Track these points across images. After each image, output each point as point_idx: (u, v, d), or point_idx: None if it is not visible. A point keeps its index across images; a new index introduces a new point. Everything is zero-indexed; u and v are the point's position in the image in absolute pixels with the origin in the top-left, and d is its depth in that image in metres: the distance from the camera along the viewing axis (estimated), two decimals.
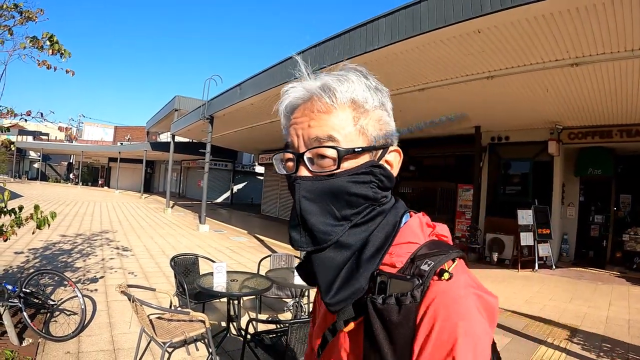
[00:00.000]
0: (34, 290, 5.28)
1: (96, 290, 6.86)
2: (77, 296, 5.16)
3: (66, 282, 5.41)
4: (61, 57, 4.81)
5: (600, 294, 8.86)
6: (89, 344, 4.77)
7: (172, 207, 25.23)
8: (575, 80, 7.86)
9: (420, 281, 0.78)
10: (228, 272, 4.82)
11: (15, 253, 9.17)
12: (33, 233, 4.81)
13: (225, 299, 5.31)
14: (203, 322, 4.02)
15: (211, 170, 18.05)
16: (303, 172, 0.89)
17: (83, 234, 13.29)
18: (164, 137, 42.31)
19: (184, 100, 25.66)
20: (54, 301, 5.47)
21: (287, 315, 6.13)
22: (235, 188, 40.39)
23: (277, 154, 1.01)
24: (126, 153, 42.23)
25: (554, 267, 11.57)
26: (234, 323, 4.93)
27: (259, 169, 38.20)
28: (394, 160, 0.96)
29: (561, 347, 5.61)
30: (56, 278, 6.67)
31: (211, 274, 4.72)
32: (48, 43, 4.68)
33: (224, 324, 5.62)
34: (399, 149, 0.97)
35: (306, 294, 5.85)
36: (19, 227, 4.58)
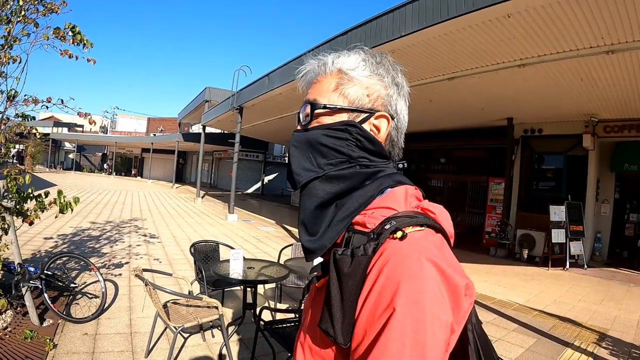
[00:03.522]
0: (57, 273, 5.36)
1: (120, 275, 6.94)
2: (99, 280, 5.19)
3: (90, 267, 5.46)
4: (83, 47, 4.86)
5: (632, 296, 8.53)
6: (107, 326, 4.81)
7: (202, 197, 25.45)
8: (611, 69, 7.55)
9: (374, 236, 0.82)
10: (246, 259, 4.78)
11: (45, 239, 9.32)
12: (56, 217, 4.87)
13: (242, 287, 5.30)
14: (216, 308, 3.99)
15: (242, 161, 18.19)
16: (297, 125, 1.06)
17: (113, 221, 13.49)
18: (196, 128, 42.71)
19: (214, 91, 25.81)
20: (75, 284, 5.57)
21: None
22: (266, 179, 40.64)
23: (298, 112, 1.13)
24: (158, 144, 42.93)
25: (585, 266, 11.19)
26: (250, 311, 4.89)
27: None
28: (380, 125, 1.01)
29: (588, 350, 5.37)
30: (81, 262, 6.73)
31: (228, 261, 4.69)
32: (70, 34, 4.74)
33: (238, 310, 5.61)
34: (387, 115, 1.01)
35: None
36: (42, 211, 4.68)
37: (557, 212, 11.36)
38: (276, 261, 5.68)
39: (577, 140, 11.72)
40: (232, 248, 5.40)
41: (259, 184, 40.13)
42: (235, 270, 4.46)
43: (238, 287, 5.98)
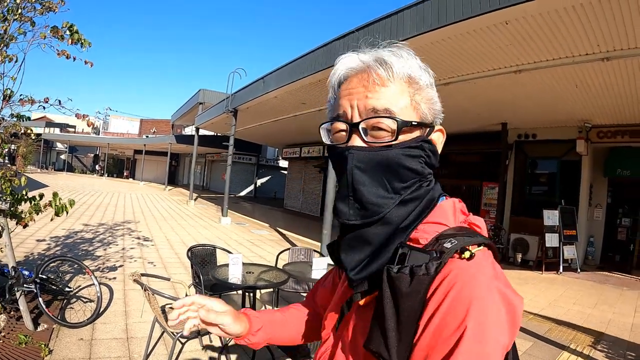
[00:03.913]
0: (51, 276, 5.29)
1: (115, 278, 6.90)
2: (94, 284, 5.13)
3: (84, 270, 5.41)
4: (81, 47, 4.80)
5: (625, 299, 8.60)
6: (102, 331, 4.77)
7: (195, 199, 25.40)
8: (606, 75, 7.60)
9: (438, 255, 0.77)
10: (244, 264, 4.76)
11: (38, 241, 9.26)
12: (51, 220, 4.83)
13: (240, 291, 5.26)
14: None
15: (235, 163, 18.14)
16: (357, 142, 0.88)
17: (105, 223, 13.42)
18: (189, 130, 42.66)
19: (208, 93, 25.84)
20: (70, 288, 5.49)
21: None
22: (259, 182, 40.68)
23: (325, 122, 0.99)
24: (151, 145, 42.76)
25: (579, 270, 11.25)
26: None
27: (283, 163, 38.21)
28: (437, 140, 0.96)
29: (584, 353, 5.41)
30: (75, 266, 6.66)
31: (227, 265, 4.66)
32: (68, 33, 4.68)
33: None
34: (442, 128, 0.97)
35: None
36: (37, 213, 4.62)
37: (551, 217, 11.40)
38: (274, 265, 5.66)
39: (571, 145, 11.76)
40: (229, 252, 5.37)
41: (251, 187, 40.14)
42: (235, 275, 4.44)
43: (235, 292, 5.95)
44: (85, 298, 5.53)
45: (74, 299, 5.51)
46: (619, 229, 12.94)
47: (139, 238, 11.22)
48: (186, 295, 4.82)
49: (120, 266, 7.77)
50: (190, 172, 27.63)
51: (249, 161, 38.83)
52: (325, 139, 0.98)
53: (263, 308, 5.62)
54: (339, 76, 0.95)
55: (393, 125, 0.86)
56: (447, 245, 0.78)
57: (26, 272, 4.87)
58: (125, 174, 54.48)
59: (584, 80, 8.00)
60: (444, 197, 0.96)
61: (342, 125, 0.92)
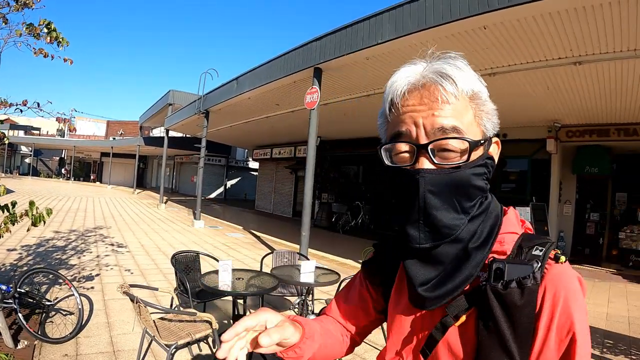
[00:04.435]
0: (28, 289, 5.12)
1: (92, 288, 6.74)
2: (73, 295, 4.96)
3: (61, 281, 5.23)
4: (58, 45, 4.65)
5: (598, 290, 8.89)
6: (87, 345, 4.63)
7: (165, 202, 25.03)
8: (576, 78, 7.81)
9: (540, 264, 0.81)
10: (233, 269, 4.72)
11: (8, 250, 9.01)
12: (28, 230, 4.66)
13: (227, 297, 5.23)
14: (209, 322, 3.94)
15: (205, 165, 17.93)
16: (425, 164, 0.86)
17: (77, 230, 13.12)
18: (157, 132, 42.08)
19: (179, 94, 25.46)
20: (49, 301, 5.27)
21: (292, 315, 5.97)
22: (229, 183, 40.32)
23: (386, 144, 0.93)
24: (119, 148, 41.97)
25: None
26: None
27: (253, 165, 37.98)
28: (494, 152, 0.96)
29: None
30: (51, 276, 6.48)
31: (215, 272, 4.62)
32: (45, 30, 4.52)
33: (225, 322, 5.55)
34: (498, 140, 0.97)
35: (312, 291, 5.75)
36: (13, 224, 4.42)
37: (523, 213, 11.58)
38: (260, 270, 5.63)
39: (541, 144, 12.00)
40: (214, 258, 5.35)
41: (221, 189, 39.81)
42: (225, 282, 4.40)
43: (220, 298, 5.91)
44: (64, 310, 5.32)
45: (53, 312, 5.34)
46: (588, 223, 13.29)
47: (112, 244, 11.00)
48: (172, 303, 4.79)
49: (97, 275, 7.59)
50: (159, 174, 27.27)
51: (218, 162, 38.48)
52: (386, 161, 0.93)
53: (248, 313, 5.60)
54: (399, 90, 0.89)
55: (463, 145, 0.85)
56: (537, 252, 0.84)
57: (4, 287, 4.62)
58: (92, 177, 53.25)
59: (556, 82, 8.19)
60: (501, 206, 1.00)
61: (406, 147, 0.88)
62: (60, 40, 4.61)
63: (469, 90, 0.87)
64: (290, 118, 14.88)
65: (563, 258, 0.82)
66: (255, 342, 0.86)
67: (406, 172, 0.87)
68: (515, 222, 0.95)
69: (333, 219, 18.71)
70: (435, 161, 0.85)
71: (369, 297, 1.16)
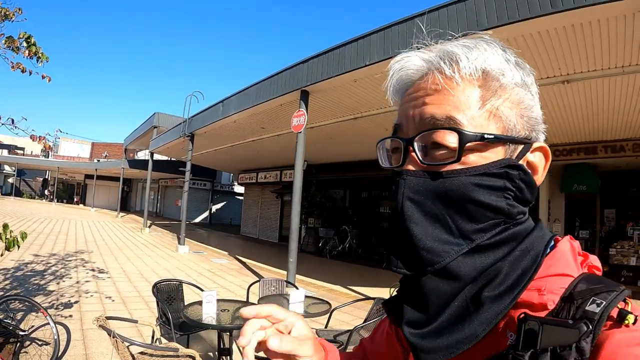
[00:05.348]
0: (2, 317, 4.88)
1: (71, 316, 6.46)
2: (49, 324, 4.71)
3: (36, 309, 5.00)
4: (37, 60, 4.50)
5: None
6: None
7: (149, 226, 24.68)
8: (564, 97, 7.79)
9: (590, 327, 0.52)
10: (218, 300, 4.51)
11: None
12: (1, 255, 4.45)
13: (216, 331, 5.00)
14: (193, 358, 3.72)
15: (190, 189, 17.72)
16: (410, 164, 0.67)
17: (57, 254, 12.80)
18: (142, 155, 41.80)
19: (164, 117, 25.31)
20: (24, 330, 4.97)
21: None
22: (214, 208, 39.93)
23: (382, 140, 0.77)
24: (103, 170, 41.63)
25: None
26: (227, 357, 4.60)
27: (239, 189, 37.70)
28: (538, 163, 0.69)
29: None
30: (26, 303, 6.22)
31: (199, 302, 4.42)
32: (25, 44, 4.37)
33: (210, 354, 5.32)
34: (546, 146, 0.70)
35: None
36: None
37: None
38: (246, 300, 5.43)
39: None
40: (197, 287, 5.15)
41: (206, 213, 39.35)
42: (209, 314, 4.19)
43: (204, 330, 5.68)
44: (40, 340, 5.05)
45: (28, 342, 5.07)
46: (578, 241, 13.29)
47: (93, 270, 10.68)
48: (153, 335, 4.56)
49: (76, 302, 7.31)
50: (144, 198, 26.99)
51: (203, 187, 38.09)
52: (382, 161, 0.76)
53: (234, 345, 5.38)
54: (394, 82, 0.73)
55: (455, 140, 0.62)
56: (592, 308, 0.54)
57: None
58: (75, 199, 52.65)
59: (544, 102, 8.00)
60: (553, 237, 0.69)
61: (395, 143, 0.71)
62: (40, 55, 4.48)
63: (477, 70, 0.65)
64: (276, 142, 14.80)
65: (632, 317, 0.51)
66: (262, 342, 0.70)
67: (393, 175, 0.69)
68: (569, 258, 0.65)
69: (320, 244, 18.47)
70: (424, 161, 0.65)
71: (398, 344, 0.86)
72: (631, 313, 0.52)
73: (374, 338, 0.98)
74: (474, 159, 0.63)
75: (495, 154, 0.64)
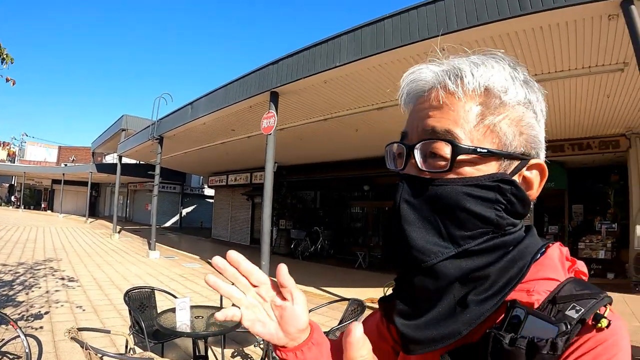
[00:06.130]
0: None
1: (41, 328, 6.31)
2: (19, 337, 4.58)
3: (5, 321, 4.86)
4: (2, 62, 4.39)
5: None
6: None
7: (119, 232, 24.30)
8: None
9: (568, 328, 0.58)
10: (192, 307, 4.44)
11: None
12: None
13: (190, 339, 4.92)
14: None
15: (159, 193, 17.46)
16: (410, 168, 0.73)
17: (25, 262, 12.48)
18: (110, 159, 41.11)
19: (132, 119, 24.89)
20: None
21: (257, 351, 5.72)
22: (184, 211, 39.43)
23: (390, 144, 0.81)
24: (70, 175, 40.74)
25: None
26: None
27: (209, 192, 37.33)
28: (534, 179, 0.74)
29: None
30: None
31: (172, 310, 4.34)
32: None
33: None
34: (543, 164, 0.75)
35: None
36: None
37: None
38: (221, 306, 5.36)
39: None
40: (170, 294, 5.06)
41: (177, 217, 38.78)
42: (183, 322, 4.13)
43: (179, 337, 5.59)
44: (11, 354, 4.93)
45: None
46: (547, 236, 13.51)
47: (63, 278, 10.45)
48: (127, 345, 4.47)
49: (46, 313, 7.14)
50: (112, 203, 26.59)
51: (173, 190, 37.52)
52: (388, 163, 0.81)
53: (209, 351, 5.31)
54: (406, 92, 0.78)
55: (449, 150, 0.67)
56: (573, 314, 0.60)
57: None
58: (43, 205, 51.46)
59: None
60: (545, 245, 0.74)
61: (400, 148, 0.76)
62: (5, 57, 4.35)
63: (480, 87, 0.70)
64: (247, 143, 14.72)
65: (605, 322, 0.58)
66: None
67: (397, 177, 0.75)
68: (556, 263, 0.71)
69: (292, 246, 18.51)
70: (423, 168, 0.71)
71: (389, 336, 0.91)
72: (605, 317, 0.58)
73: (365, 326, 0.96)
74: (468, 171, 0.68)
75: (489, 168, 0.69)
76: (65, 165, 49.71)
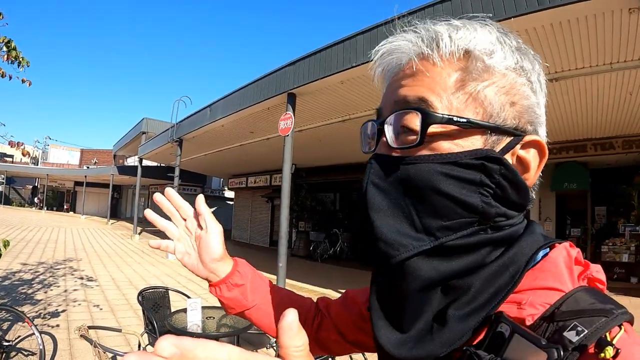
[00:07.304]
0: None
1: (58, 326, 6.34)
2: (34, 334, 4.61)
3: (23, 318, 4.90)
4: (19, 65, 4.42)
5: None
6: None
7: (139, 233, 24.49)
8: (553, 95, 7.75)
9: (561, 355, 0.44)
10: (203, 307, 4.41)
11: None
12: None
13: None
14: None
15: (179, 195, 17.51)
16: (382, 149, 0.61)
17: (45, 262, 12.61)
18: (131, 161, 41.53)
19: (152, 122, 25.09)
20: (8, 341, 4.94)
21: (270, 353, 5.65)
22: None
23: (364, 124, 0.71)
24: (92, 177, 41.36)
25: None
26: None
27: (229, 194, 37.47)
28: (531, 160, 0.60)
29: None
30: (13, 313, 6.12)
31: (184, 310, 4.31)
32: (5, 49, 4.29)
33: None
34: (542, 141, 0.60)
35: None
36: None
37: None
38: None
39: None
40: (183, 294, 5.04)
41: None
42: (194, 322, 4.09)
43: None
44: (26, 351, 4.98)
45: (14, 352, 4.98)
46: (569, 239, 13.27)
47: (82, 278, 10.53)
48: (139, 346, 4.46)
49: (63, 311, 7.18)
50: (133, 204, 26.79)
51: (193, 192, 37.47)
52: (362, 147, 0.71)
53: None
54: (380, 67, 0.66)
55: (418, 120, 0.56)
56: (572, 336, 0.46)
57: None
58: (65, 207, 52.22)
59: None
60: (549, 247, 0.60)
61: (372, 127, 0.67)
62: (21, 60, 4.39)
63: (459, 50, 0.58)
64: (266, 145, 14.73)
65: (610, 350, 0.43)
66: None
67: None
68: (561, 269, 0.55)
69: (311, 248, 18.38)
70: (394, 144, 0.59)
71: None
72: (612, 345, 0.44)
73: (353, 305, 0.96)
74: (445, 146, 0.56)
75: (472, 143, 0.56)
76: (88, 167, 50.48)
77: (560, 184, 12.43)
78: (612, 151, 11.06)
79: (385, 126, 0.60)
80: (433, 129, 0.56)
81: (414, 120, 0.57)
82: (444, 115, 0.55)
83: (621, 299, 9.13)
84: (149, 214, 0.88)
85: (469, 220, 0.56)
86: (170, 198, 0.92)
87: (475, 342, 0.52)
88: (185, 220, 0.93)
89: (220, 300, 0.94)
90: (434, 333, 0.55)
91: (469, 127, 0.56)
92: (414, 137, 0.57)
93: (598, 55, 6.12)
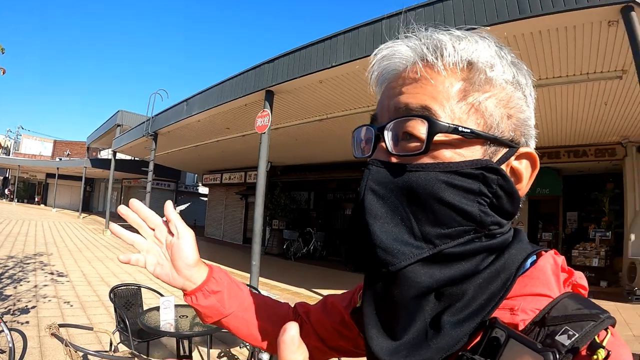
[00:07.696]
0: None
1: (27, 322, 6.21)
2: (3, 331, 4.50)
3: None
4: None
5: None
6: None
7: None
8: None
9: (557, 357, 0.46)
10: (176, 306, 4.36)
11: None
12: None
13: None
14: None
15: (153, 190, 17.33)
16: (380, 153, 0.62)
17: (15, 256, 12.35)
18: (105, 154, 40.95)
19: (127, 115, 24.74)
20: None
21: (243, 352, 5.64)
22: (178, 209, 39.29)
23: (357, 128, 0.70)
24: (65, 169, 40.52)
25: None
26: None
27: (203, 190, 37.24)
28: (524, 171, 0.63)
29: None
30: None
31: (157, 308, 4.26)
32: None
33: None
34: (534, 153, 0.63)
35: None
36: None
37: None
38: None
39: None
40: (156, 292, 4.98)
41: None
42: (167, 321, 4.04)
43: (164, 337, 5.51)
44: None
45: None
46: (540, 243, 13.48)
47: (52, 273, 10.33)
48: (111, 344, 4.39)
49: (33, 307, 7.04)
50: (106, 198, 26.44)
51: (167, 187, 37.25)
52: (354, 151, 0.70)
53: (195, 351, 5.24)
54: (377, 72, 0.68)
55: (425, 129, 0.57)
56: (564, 339, 0.49)
57: None
58: (36, 199, 51.19)
59: None
60: (535, 254, 0.62)
61: (367, 132, 0.66)
62: None
63: (462, 61, 0.60)
64: (242, 142, 14.69)
65: (602, 353, 0.46)
66: None
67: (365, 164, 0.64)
68: (549, 278, 0.58)
69: (284, 246, 18.36)
70: (394, 151, 0.60)
71: (359, 336, 0.83)
72: (603, 347, 0.47)
73: (333, 313, 0.95)
74: (448, 155, 0.58)
75: (473, 153, 0.59)
76: (60, 159, 49.53)
77: (533, 189, 12.51)
78: (585, 158, 11.31)
79: (385, 132, 0.61)
80: (437, 137, 0.57)
81: (418, 128, 0.58)
82: (450, 125, 0.57)
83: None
84: (115, 228, 0.87)
85: (466, 228, 0.57)
86: (136, 210, 0.88)
87: (469, 348, 0.54)
88: (153, 230, 0.89)
89: (196, 310, 0.92)
90: (429, 339, 0.55)
91: (471, 137, 0.58)
92: (417, 144, 0.58)
93: (575, 65, 6.25)
